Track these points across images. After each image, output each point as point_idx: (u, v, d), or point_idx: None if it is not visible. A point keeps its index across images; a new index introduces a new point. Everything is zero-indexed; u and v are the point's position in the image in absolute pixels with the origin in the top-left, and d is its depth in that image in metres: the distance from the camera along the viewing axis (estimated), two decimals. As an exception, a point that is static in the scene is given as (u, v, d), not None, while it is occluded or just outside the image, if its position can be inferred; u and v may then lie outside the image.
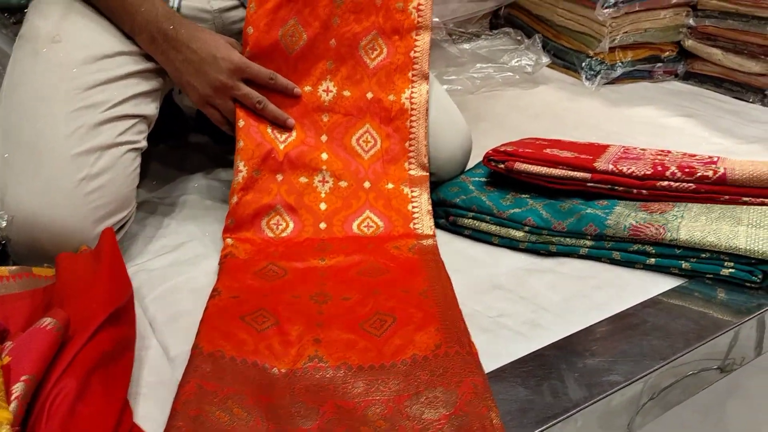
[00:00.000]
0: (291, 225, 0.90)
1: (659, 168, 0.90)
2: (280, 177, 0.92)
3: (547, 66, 1.59)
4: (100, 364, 0.59)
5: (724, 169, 0.88)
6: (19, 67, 0.85)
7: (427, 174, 0.96)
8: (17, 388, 0.52)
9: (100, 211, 0.80)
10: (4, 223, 0.76)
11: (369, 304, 0.77)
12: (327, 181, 0.93)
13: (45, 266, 0.76)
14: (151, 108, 0.90)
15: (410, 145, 0.95)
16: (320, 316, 0.75)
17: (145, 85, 0.88)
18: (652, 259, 0.84)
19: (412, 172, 0.96)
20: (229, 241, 0.88)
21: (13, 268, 0.75)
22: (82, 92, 0.82)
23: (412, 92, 0.97)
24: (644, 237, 0.83)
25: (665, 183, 0.89)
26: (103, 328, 0.61)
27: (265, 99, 0.92)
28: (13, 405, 0.51)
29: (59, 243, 0.76)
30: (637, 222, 0.84)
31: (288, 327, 0.72)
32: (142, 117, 0.88)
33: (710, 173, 0.88)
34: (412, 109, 0.96)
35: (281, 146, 0.93)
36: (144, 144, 0.88)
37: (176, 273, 0.84)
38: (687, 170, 0.89)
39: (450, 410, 0.62)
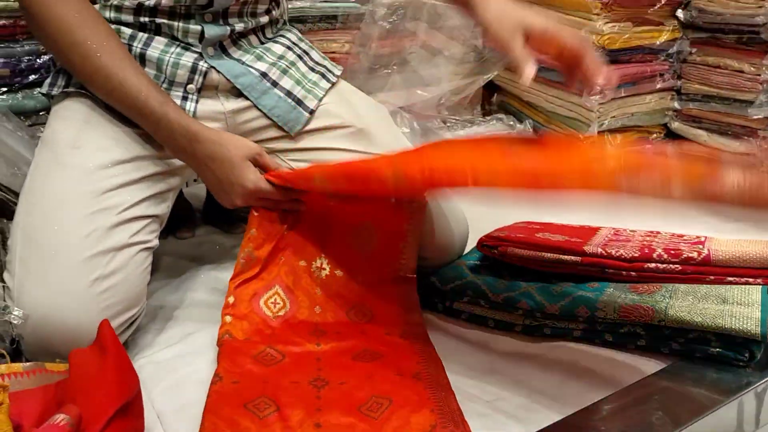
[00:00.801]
0: (288, 305, 0.94)
1: (646, 250, 0.94)
2: (282, 258, 0.96)
3: (539, 149, 1.64)
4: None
5: (709, 250, 0.92)
6: (39, 172, 0.90)
7: (414, 276, 1.00)
8: (31, 484, 0.55)
9: (112, 309, 0.83)
10: (19, 321, 0.80)
11: (365, 387, 0.79)
12: (324, 268, 0.97)
13: (57, 362, 0.79)
14: (163, 207, 0.94)
15: (404, 248, 0.99)
16: (319, 401, 0.77)
17: (158, 186, 0.93)
18: (643, 341, 0.86)
19: (401, 273, 0.99)
20: (227, 318, 0.91)
21: (27, 364, 0.77)
22: (98, 196, 0.86)
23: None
24: (634, 318, 0.86)
25: (653, 265, 0.93)
26: (113, 422, 0.63)
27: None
28: (27, 500, 0.53)
29: (71, 342, 0.79)
30: (627, 304, 0.87)
31: (289, 412, 0.75)
32: (155, 217, 0.92)
33: (695, 254, 0.92)
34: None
35: (286, 231, 0.97)
36: (156, 243, 0.92)
37: (183, 364, 0.87)
38: (673, 252, 0.93)
39: None
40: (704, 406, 0.77)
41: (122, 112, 0.91)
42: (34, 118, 1.29)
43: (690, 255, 0.92)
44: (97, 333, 0.75)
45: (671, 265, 0.92)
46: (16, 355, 0.82)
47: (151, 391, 0.82)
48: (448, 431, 0.71)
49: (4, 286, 0.83)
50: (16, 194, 1.11)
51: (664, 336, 0.85)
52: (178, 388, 0.81)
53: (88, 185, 0.87)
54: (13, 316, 0.79)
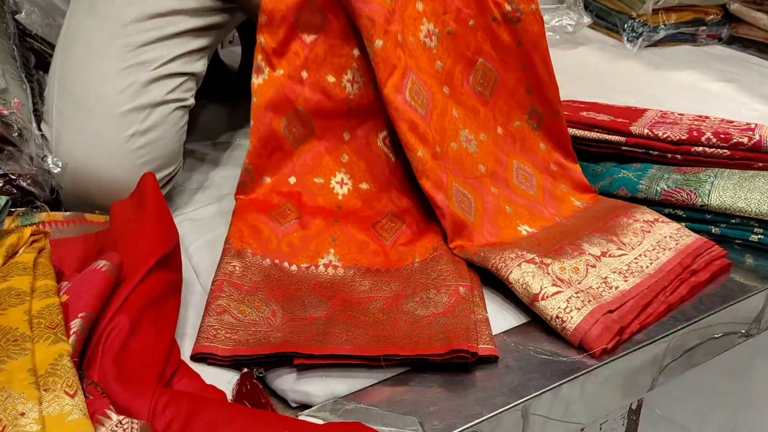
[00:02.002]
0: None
1: (695, 133, 0.91)
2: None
3: (589, 26, 1.57)
4: (150, 305, 0.62)
5: (760, 135, 0.89)
6: (75, 20, 0.88)
7: None
8: (75, 324, 0.56)
9: (148, 167, 0.83)
10: (58, 170, 0.80)
11: (383, 199, 0.83)
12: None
13: (97, 213, 0.80)
14: (199, 66, 0.92)
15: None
16: (339, 211, 0.81)
17: (195, 43, 0.90)
18: (683, 223, 0.85)
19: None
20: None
21: (67, 213, 0.79)
22: (134, 49, 0.84)
23: None
24: (675, 201, 0.85)
25: (700, 148, 0.90)
26: (153, 272, 0.65)
27: None
28: (71, 339, 0.55)
29: (108, 194, 0.80)
30: (668, 186, 0.85)
31: (309, 220, 0.79)
32: (191, 75, 0.90)
33: (745, 140, 0.88)
34: None
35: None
36: (192, 101, 0.91)
37: (219, 223, 0.87)
38: (722, 136, 0.89)
39: (439, 310, 0.69)
40: (743, 291, 0.77)
41: None
42: (68, -32, 1.25)
43: (740, 140, 0.89)
44: (138, 185, 0.75)
45: (719, 150, 0.89)
46: (56, 205, 0.83)
47: (189, 246, 0.83)
48: (448, 254, 0.77)
49: (42, 136, 0.83)
50: (51, 45, 1.09)
51: (705, 220, 0.84)
52: (214, 245, 0.82)
53: (124, 38, 0.85)
54: (51, 165, 0.79)
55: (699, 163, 0.90)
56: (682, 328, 0.72)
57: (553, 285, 0.71)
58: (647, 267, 0.76)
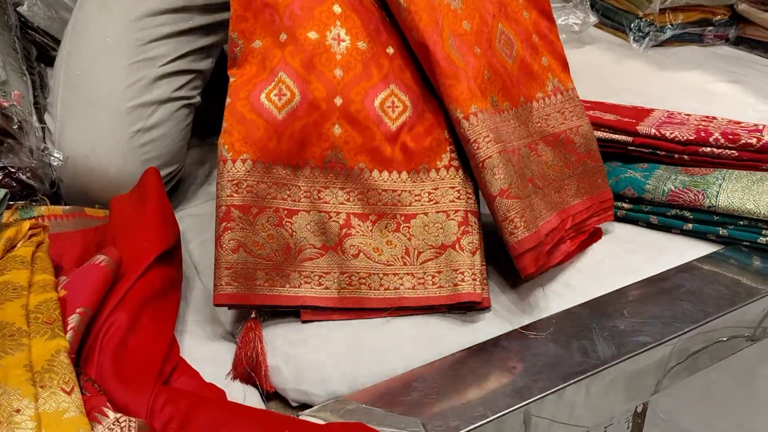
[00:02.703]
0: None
1: (702, 134, 0.89)
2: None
3: (595, 26, 1.56)
4: (149, 301, 0.62)
5: (768, 138, 0.88)
6: (84, 14, 0.87)
7: None
8: (73, 320, 0.56)
9: (152, 163, 0.83)
10: (58, 163, 0.80)
11: (385, 66, 0.74)
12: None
13: (97, 207, 0.79)
14: (207, 63, 0.91)
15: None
16: (339, 84, 0.71)
17: (203, 41, 0.89)
18: (690, 225, 0.84)
19: None
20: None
21: (67, 207, 0.78)
22: (142, 45, 0.84)
23: None
24: (682, 202, 0.84)
25: (708, 149, 0.89)
26: (153, 268, 0.64)
27: None
28: (69, 335, 0.54)
29: (110, 190, 0.79)
30: (675, 187, 0.84)
31: (306, 105, 0.70)
32: (199, 72, 0.90)
33: (754, 140, 0.87)
34: None
35: None
36: (198, 99, 0.90)
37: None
38: (731, 137, 0.88)
39: (449, 242, 0.71)
40: (750, 294, 0.76)
41: None
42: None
43: (749, 141, 0.87)
44: (140, 179, 0.74)
45: (727, 150, 0.88)
46: (56, 198, 0.82)
47: (190, 243, 0.82)
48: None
49: (44, 128, 0.82)
50: (53, 38, 1.09)
51: (713, 222, 0.83)
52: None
53: (134, 33, 0.84)
54: (53, 158, 0.78)
55: (707, 163, 0.89)
56: (687, 331, 0.71)
57: (518, 189, 0.70)
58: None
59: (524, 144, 0.78)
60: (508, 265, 0.79)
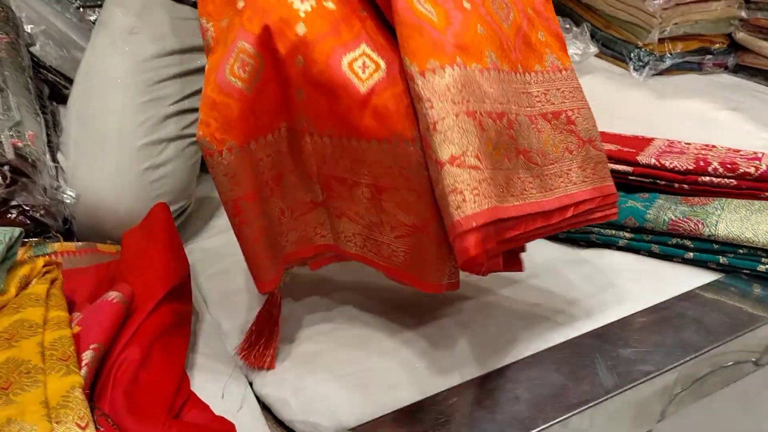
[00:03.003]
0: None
1: (701, 163, 0.91)
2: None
3: (595, 56, 1.59)
4: (160, 336, 0.63)
5: (767, 165, 0.89)
6: (95, 54, 0.89)
7: None
8: (87, 355, 0.57)
9: (162, 200, 0.84)
10: (71, 201, 0.81)
11: (356, 26, 0.64)
12: None
13: (109, 243, 0.81)
14: None
15: None
16: (302, 44, 0.62)
17: None
18: (690, 254, 0.85)
19: None
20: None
21: (80, 243, 0.80)
22: (153, 85, 0.86)
23: None
24: (683, 231, 0.85)
25: (707, 178, 0.90)
26: (164, 303, 0.65)
27: None
28: (83, 370, 0.56)
29: (121, 227, 0.81)
30: (676, 216, 0.86)
31: (268, 80, 0.63)
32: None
33: (752, 170, 0.89)
34: None
35: None
36: None
37: (229, 252, 0.88)
38: (729, 166, 0.90)
39: (419, 223, 0.64)
40: (751, 321, 0.77)
41: None
42: (81, 0, 1.28)
43: (747, 170, 0.89)
44: (149, 214, 0.76)
45: (726, 180, 0.90)
46: (69, 235, 0.84)
47: (199, 276, 0.84)
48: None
49: (57, 167, 0.84)
50: (66, 77, 1.12)
51: (713, 250, 0.84)
52: (225, 275, 0.83)
53: (143, 73, 0.86)
54: (66, 196, 0.80)
55: (706, 192, 0.91)
56: (690, 359, 0.72)
57: (477, 158, 0.58)
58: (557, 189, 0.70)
59: (524, 113, 0.69)
60: (514, 297, 0.81)
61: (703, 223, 0.84)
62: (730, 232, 0.82)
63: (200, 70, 0.90)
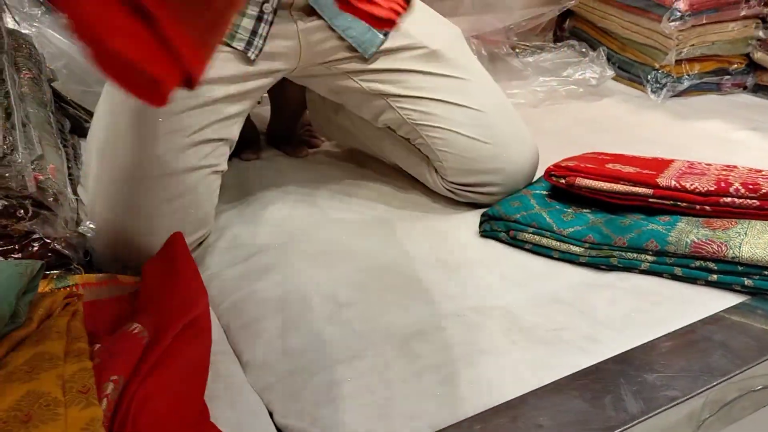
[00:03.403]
0: None
1: (722, 184, 0.90)
2: None
3: (612, 79, 1.59)
4: (180, 367, 0.63)
5: (790, 186, 0.88)
6: (114, 90, 0.91)
7: None
8: (107, 387, 0.57)
9: (181, 230, 0.85)
10: (91, 234, 0.82)
11: None
12: None
13: (129, 274, 0.81)
14: (233, 131, 0.94)
15: None
16: None
17: (230, 109, 0.92)
18: (714, 276, 0.84)
19: None
20: None
21: (100, 275, 0.80)
22: (171, 117, 0.87)
23: None
24: (706, 254, 0.84)
25: (729, 199, 0.89)
26: (182, 334, 0.65)
27: None
28: (103, 403, 0.55)
29: (140, 258, 0.81)
30: (698, 239, 0.85)
31: None
32: (225, 140, 0.92)
33: (775, 190, 0.88)
34: None
35: None
36: (225, 166, 0.93)
37: (248, 282, 0.88)
38: (751, 186, 0.89)
39: None
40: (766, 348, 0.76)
41: None
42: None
43: (770, 190, 0.88)
44: (165, 244, 0.76)
45: (748, 200, 0.89)
46: (89, 266, 0.85)
47: (218, 306, 0.84)
48: None
49: (78, 200, 0.85)
50: (87, 111, 1.13)
51: (737, 272, 0.83)
52: (243, 305, 0.83)
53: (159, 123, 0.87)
54: (86, 229, 0.81)
55: (728, 213, 0.89)
56: (717, 384, 0.71)
57: None
58: None
59: None
60: (536, 322, 0.80)
61: (726, 246, 0.83)
62: (754, 254, 0.81)
63: (219, 100, 0.91)
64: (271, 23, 0.94)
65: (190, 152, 0.88)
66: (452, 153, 1.03)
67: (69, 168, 0.90)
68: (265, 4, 0.93)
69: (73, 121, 1.11)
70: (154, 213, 0.83)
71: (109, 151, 0.86)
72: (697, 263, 0.85)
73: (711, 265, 0.84)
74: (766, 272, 0.82)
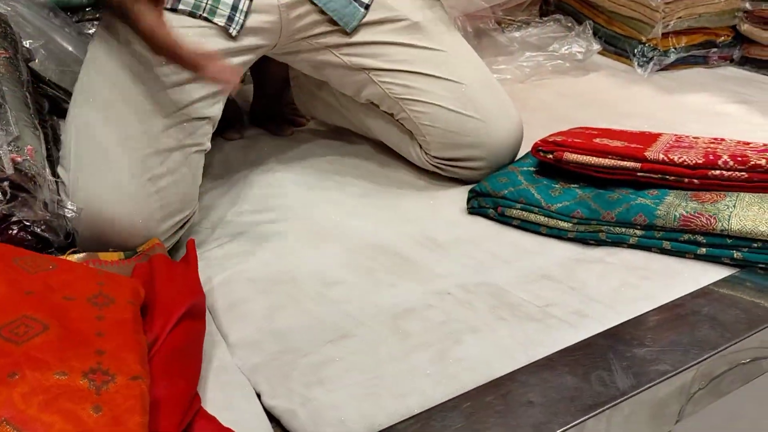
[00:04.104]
0: None
1: (711, 157, 0.89)
2: None
3: (599, 53, 1.58)
4: (175, 355, 0.63)
5: (778, 158, 0.87)
6: (94, 66, 0.89)
7: None
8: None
9: (165, 210, 0.84)
10: (72, 215, 0.80)
11: None
12: None
13: (110, 251, 0.80)
14: (216, 109, 0.92)
15: None
16: None
17: (211, 87, 0.91)
18: (703, 249, 0.84)
19: None
20: None
21: (81, 255, 0.79)
22: (152, 95, 0.85)
23: None
24: (695, 227, 0.83)
25: (717, 172, 0.89)
26: (181, 321, 0.65)
27: None
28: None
29: (125, 239, 0.80)
30: (687, 212, 0.84)
31: None
32: (208, 119, 0.91)
33: (763, 161, 0.87)
34: None
35: None
36: (208, 145, 0.91)
37: (233, 262, 0.87)
38: (740, 159, 0.88)
39: None
40: (761, 318, 0.75)
41: None
42: (80, 14, 1.27)
43: (758, 162, 0.87)
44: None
45: (737, 173, 0.88)
46: (71, 248, 0.83)
47: (204, 286, 0.82)
48: None
49: (58, 181, 0.83)
50: (66, 91, 1.11)
51: (726, 245, 0.83)
52: (229, 285, 0.82)
53: (142, 84, 0.85)
54: (67, 210, 0.79)
55: (717, 186, 0.89)
56: (707, 358, 0.71)
57: None
58: None
59: None
60: (525, 298, 0.79)
61: (715, 218, 0.82)
62: (743, 226, 0.81)
63: (199, 78, 0.89)
64: None
65: (173, 131, 0.86)
66: (435, 127, 1.02)
67: (48, 149, 0.88)
68: None
69: (51, 102, 1.09)
70: (138, 194, 0.82)
71: (89, 130, 0.84)
72: (686, 237, 0.84)
73: (700, 238, 0.84)
74: (754, 245, 0.81)
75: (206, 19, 0.91)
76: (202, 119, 0.90)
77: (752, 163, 0.87)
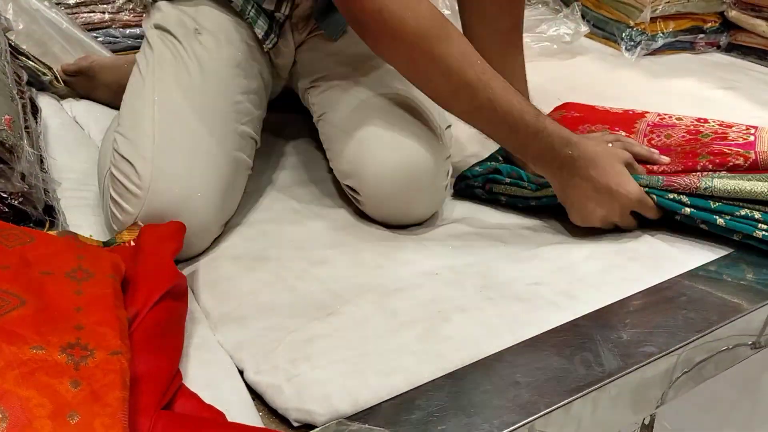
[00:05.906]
0: None
1: (690, 163, 0.88)
2: None
3: (586, 36, 1.57)
4: (157, 331, 0.61)
5: (756, 154, 0.87)
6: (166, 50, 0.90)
7: None
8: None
9: (227, 216, 0.87)
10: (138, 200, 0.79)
11: None
12: None
13: (90, 236, 0.78)
14: (258, 129, 0.95)
15: None
16: None
17: (258, 113, 0.94)
18: (688, 210, 0.83)
19: None
20: None
21: (60, 231, 0.77)
22: (227, 104, 0.88)
23: None
24: (678, 187, 0.84)
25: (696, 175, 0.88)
26: (163, 299, 0.64)
27: None
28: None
29: (190, 243, 0.80)
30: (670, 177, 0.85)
31: None
32: (255, 141, 0.93)
33: (741, 161, 0.86)
34: None
35: None
36: (251, 166, 0.93)
37: (216, 241, 0.86)
38: (718, 161, 0.87)
39: None
40: (752, 301, 0.76)
41: (485, 130, 0.86)
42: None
43: (736, 162, 0.86)
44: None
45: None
46: (50, 224, 0.81)
47: (185, 265, 0.81)
48: None
49: (42, 155, 0.81)
50: (45, 65, 1.09)
51: (710, 209, 0.83)
52: (213, 263, 0.81)
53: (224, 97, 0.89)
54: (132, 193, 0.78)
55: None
56: (693, 341, 0.71)
57: None
58: None
59: None
60: (513, 279, 0.79)
61: (698, 178, 0.83)
62: (726, 184, 0.82)
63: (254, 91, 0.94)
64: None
65: (242, 144, 0.89)
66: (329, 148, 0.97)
67: (26, 120, 0.86)
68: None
69: (29, 73, 1.06)
70: (219, 197, 0.83)
71: (173, 123, 0.83)
72: (671, 196, 0.84)
73: (684, 198, 0.84)
74: (738, 212, 0.82)
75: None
76: (252, 138, 0.92)
77: (731, 164, 0.86)
